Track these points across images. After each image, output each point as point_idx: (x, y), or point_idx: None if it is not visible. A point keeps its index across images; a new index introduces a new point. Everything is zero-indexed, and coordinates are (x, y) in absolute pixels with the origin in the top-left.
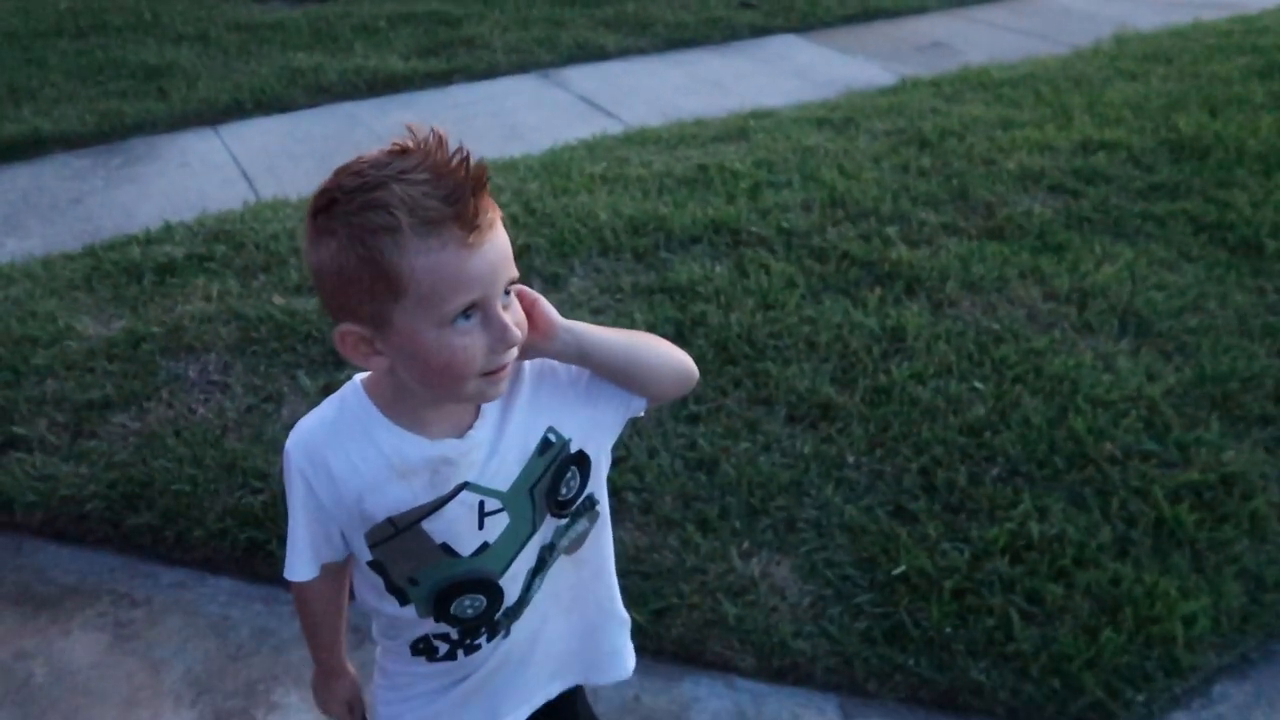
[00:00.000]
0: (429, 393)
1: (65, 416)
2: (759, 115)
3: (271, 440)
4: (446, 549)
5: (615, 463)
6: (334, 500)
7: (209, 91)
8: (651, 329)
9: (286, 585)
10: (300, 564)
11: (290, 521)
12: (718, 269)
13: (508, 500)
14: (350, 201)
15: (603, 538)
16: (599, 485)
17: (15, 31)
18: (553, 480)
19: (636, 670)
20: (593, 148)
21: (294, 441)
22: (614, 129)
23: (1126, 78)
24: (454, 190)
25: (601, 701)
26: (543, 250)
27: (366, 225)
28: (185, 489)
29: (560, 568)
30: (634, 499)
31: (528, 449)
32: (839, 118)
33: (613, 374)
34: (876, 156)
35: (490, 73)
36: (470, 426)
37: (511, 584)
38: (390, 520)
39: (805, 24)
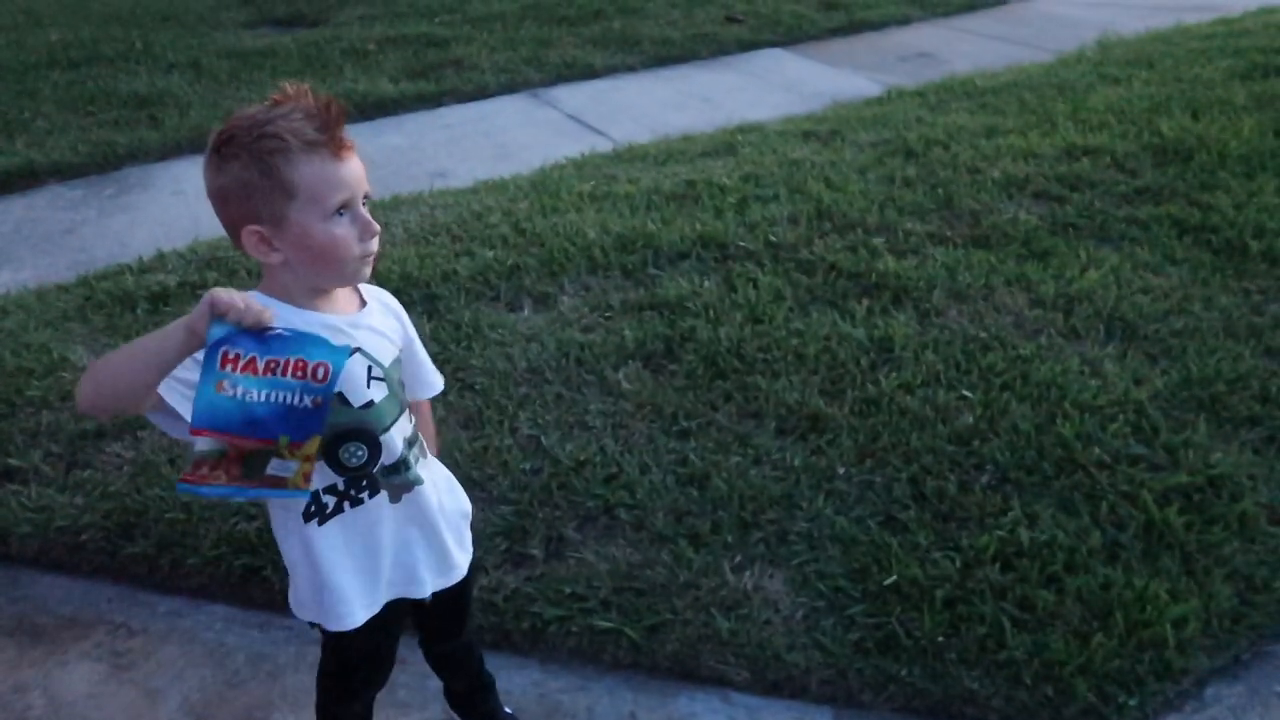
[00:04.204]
0: (317, 277)
1: (60, 447)
2: (746, 129)
3: None
4: (342, 397)
5: (606, 480)
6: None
7: (201, 119)
8: (641, 345)
9: (284, 611)
10: None
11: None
12: (706, 284)
13: (386, 374)
14: (248, 135)
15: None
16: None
17: (7, 63)
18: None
19: (631, 686)
20: (581, 166)
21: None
22: (603, 146)
23: (1110, 83)
24: (324, 123)
25: (596, 718)
26: (532, 269)
27: (264, 148)
28: (179, 517)
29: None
30: (626, 515)
31: (392, 348)
32: (825, 130)
33: None
34: (862, 168)
35: (480, 93)
36: (358, 312)
37: (390, 444)
38: None
39: (791, 37)
